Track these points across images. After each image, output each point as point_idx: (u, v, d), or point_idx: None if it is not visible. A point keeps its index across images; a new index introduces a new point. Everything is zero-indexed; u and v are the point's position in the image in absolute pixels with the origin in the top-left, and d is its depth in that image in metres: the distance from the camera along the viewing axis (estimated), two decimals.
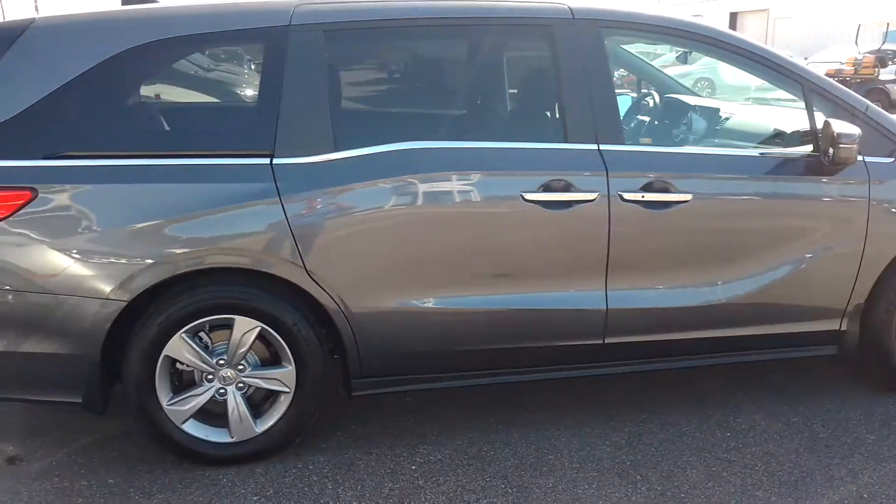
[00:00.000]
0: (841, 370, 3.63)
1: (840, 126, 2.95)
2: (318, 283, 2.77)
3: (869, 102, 3.24)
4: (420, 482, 2.82)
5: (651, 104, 4.23)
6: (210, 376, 2.82)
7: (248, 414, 2.86)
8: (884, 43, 17.36)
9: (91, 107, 2.71)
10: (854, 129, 2.96)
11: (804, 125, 3.16)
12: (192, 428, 2.86)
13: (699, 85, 16.81)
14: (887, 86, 16.03)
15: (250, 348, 2.82)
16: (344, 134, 2.83)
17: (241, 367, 2.84)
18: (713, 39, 3.12)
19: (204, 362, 2.80)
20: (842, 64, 16.31)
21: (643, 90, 4.39)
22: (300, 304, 2.81)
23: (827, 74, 15.41)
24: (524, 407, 3.36)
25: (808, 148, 3.13)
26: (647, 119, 4.12)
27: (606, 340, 3.06)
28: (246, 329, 2.78)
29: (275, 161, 2.72)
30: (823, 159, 3.02)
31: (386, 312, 2.86)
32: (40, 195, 2.59)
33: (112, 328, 2.68)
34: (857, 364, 3.42)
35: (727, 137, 3.61)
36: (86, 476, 2.86)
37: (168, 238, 2.65)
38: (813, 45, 28.37)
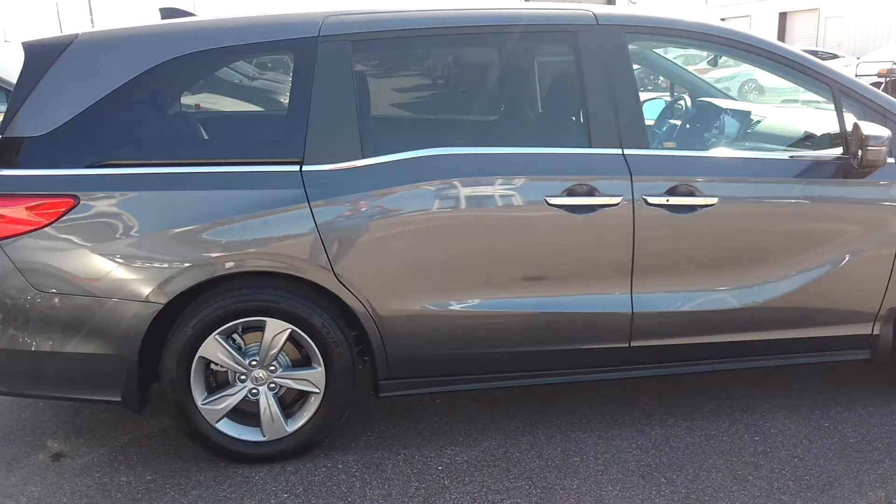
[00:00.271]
0: (874, 375, 3.58)
1: (869, 128, 2.93)
2: (346, 287, 2.85)
3: None
4: (446, 482, 2.88)
5: (683, 108, 4.23)
6: (243, 377, 2.92)
7: (279, 414, 2.95)
8: None
9: (130, 118, 2.82)
10: (883, 131, 2.93)
11: (835, 128, 3.14)
12: (226, 427, 2.96)
13: (746, 87, 16.55)
14: None
15: (281, 350, 2.91)
16: (371, 141, 2.90)
17: (272, 368, 2.93)
18: (738, 42, 3.11)
19: (237, 363, 2.89)
20: (893, 63, 15.91)
21: (676, 94, 4.39)
22: (329, 307, 2.89)
23: (879, 74, 15.13)
24: (551, 409, 3.39)
25: (838, 150, 3.11)
26: (678, 123, 4.12)
27: (632, 344, 3.08)
28: (277, 331, 2.87)
29: (304, 168, 2.81)
30: (853, 162, 3.00)
31: (412, 315, 2.92)
32: (82, 202, 2.71)
33: (150, 330, 2.80)
34: (890, 368, 3.37)
35: (757, 140, 3.59)
36: (125, 472, 2.98)
37: (203, 242, 2.75)
38: (865, 45, 27.74)
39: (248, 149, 2.91)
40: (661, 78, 5.00)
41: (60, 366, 2.83)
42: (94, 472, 2.98)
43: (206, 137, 3.09)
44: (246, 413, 2.97)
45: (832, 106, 3.12)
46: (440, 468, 2.97)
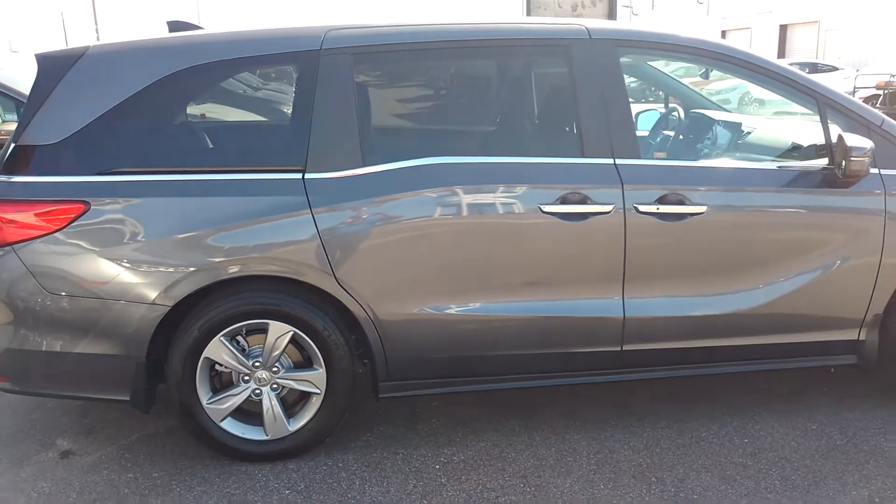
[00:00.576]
0: (861, 380, 3.67)
1: (853, 139, 3.03)
2: (346, 291, 2.94)
3: (885, 116, 3.30)
4: (443, 480, 2.97)
5: (677, 119, 4.34)
6: (246, 377, 3.01)
7: (282, 413, 3.04)
8: None
9: (138, 127, 2.93)
10: (866, 143, 3.03)
11: (822, 139, 3.23)
12: (230, 426, 3.05)
13: (745, 99, 16.63)
14: None
15: (284, 351, 3.01)
16: (371, 150, 3.01)
17: (275, 369, 3.02)
18: (728, 56, 3.22)
19: (241, 364, 2.99)
20: (891, 76, 16.01)
21: (670, 105, 4.49)
22: (330, 311, 2.99)
23: (877, 86, 15.21)
24: (546, 411, 3.49)
25: (824, 161, 3.21)
26: (671, 133, 4.23)
27: (625, 347, 3.17)
28: (280, 333, 2.97)
29: (307, 176, 2.91)
30: (837, 172, 3.10)
31: (411, 319, 3.01)
32: (93, 208, 2.82)
33: (156, 331, 2.89)
34: (876, 373, 3.46)
35: (747, 151, 3.69)
36: (132, 469, 3.07)
37: (208, 248, 2.85)
38: (865, 57, 27.88)
39: (252, 157, 3.01)
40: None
41: (70, 366, 2.93)
42: (102, 470, 3.08)
43: (211, 146, 3.20)
44: (249, 412, 3.07)
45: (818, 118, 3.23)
46: (437, 467, 3.06)
